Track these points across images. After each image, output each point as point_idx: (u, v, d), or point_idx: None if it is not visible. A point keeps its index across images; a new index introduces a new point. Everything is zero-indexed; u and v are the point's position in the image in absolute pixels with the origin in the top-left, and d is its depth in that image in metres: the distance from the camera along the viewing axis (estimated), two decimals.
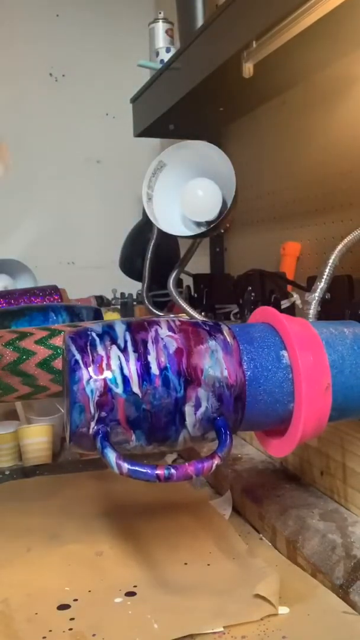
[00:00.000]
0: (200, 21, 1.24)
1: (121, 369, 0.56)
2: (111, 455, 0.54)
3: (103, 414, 0.56)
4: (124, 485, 0.93)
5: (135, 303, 1.61)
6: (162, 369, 0.57)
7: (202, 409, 0.57)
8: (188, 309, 1.05)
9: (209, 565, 0.69)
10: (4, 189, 1.86)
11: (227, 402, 0.58)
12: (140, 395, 0.56)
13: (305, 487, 0.81)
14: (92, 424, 0.56)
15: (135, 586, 0.65)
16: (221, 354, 0.59)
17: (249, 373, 0.59)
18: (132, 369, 0.57)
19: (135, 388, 0.56)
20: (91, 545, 0.75)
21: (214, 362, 0.58)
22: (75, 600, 0.63)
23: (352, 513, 0.72)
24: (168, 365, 0.57)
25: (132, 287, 1.60)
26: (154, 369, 0.57)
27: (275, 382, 0.59)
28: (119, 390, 0.56)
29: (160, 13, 1.55)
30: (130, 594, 0.64)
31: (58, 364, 0.83)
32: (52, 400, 1.15)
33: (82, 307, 1.11)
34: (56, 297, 1.30)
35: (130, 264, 1.53)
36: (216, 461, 0.55)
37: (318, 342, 0.60)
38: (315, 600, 0.61)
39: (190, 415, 0.57)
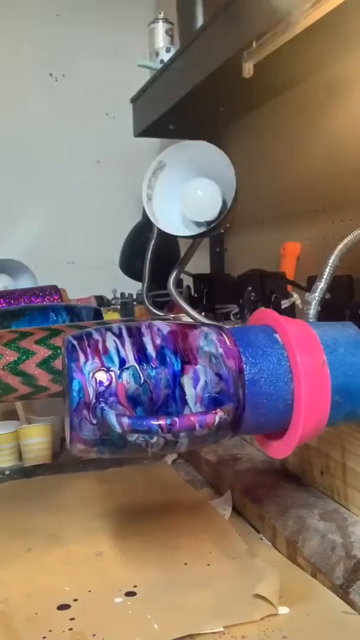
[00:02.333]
0: (200, 21, 1.24)
1: (117, 350, 0.58)
2: (111, 415, 0.54)
3: (101, 388, 0.56)
4: (124, 485, 0.94)
5: (135, 303, 1.61)
6: (158, 348, 0.59)
7: (201, 383, 0.58)
8: (188, 309, 1.05)
9: (209, 565, 0.69)
10: (4, 189, 1.86)
11: (226, 378, 0.59)
12: (137, 368, 0.57)
13: (305, 487, 0.81)
14: (92, 400, 0.56)
15: (135, 586, 0.65)
16: (215, 336, 0.61)
17: (243, 351, 0.61)
18: (128, 350, 0.58)
19: (132, 363, 0.58)
20: (91, 545, 0.75)
21: (209, 342, 0.60)
22: (75, 600, 0.63)
23: (352, 513, 0.72)
24: (164, 344, 0.59)
25: (132, 287, 1.60)
26: (150, 350, 0.59)
27: (272, 360, 0.61)
28: (115, 367, 0.57)
29: (160, 13, 1.55)
30: (130, 594, 0.64)
31: (58, 364, 0.83)
32: (52, 400, 1.15)
33: (82, 307, 1.11)
34: (56, 297, 1.30)
35: (130, 264, 1.53)
36: (219, 414, 0.56)
37: (307, 327, 0.63)
38: (315, 600, 0.61)
39: (189, 388, 0.58)
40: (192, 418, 0.55)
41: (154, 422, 0.54)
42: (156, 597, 0.63)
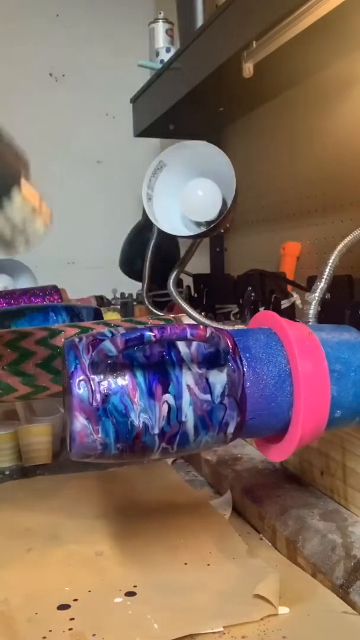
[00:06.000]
0: (200, 21, 1.25)
1: (110, 330, 0.62)
2: (105, 342, 0.57)
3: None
4: (124, 485, 0.94)
5: (135, 303, 1.61)
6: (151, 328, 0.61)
7: (195, 345, 0.61)
8: (188, 309, 1.05)
9: (209, 565, 0.69)
10: None
11: (218, 341, 0.60)
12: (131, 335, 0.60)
13: (305, 487, 0.81)
14: (87, 363, 0.58)
15: (135, 586, 0.65)
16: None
17: (235, 333, 0.64)
18: (120, 329, 0.62)
19: (124, 331, 0.60)
20: (91, 545, 0.75)
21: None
22: (75, 600, 0.63)
23: (352, 513, 0.72)
24: (156, 325, 0.62)
25: (132, 287, 1.60)
26: (142, 327, 0.61)
27: (262, 335, 0.64)
28: (108, 338, 0.60)
29: (160, 13, 1.55)
30: (130, 594, 0.64)
31: (58, 364, 0.83)
32: (52, 400, 1.15)
33: (82, 307, 1.11)
34: (56, 297, 1.30)
35: (130, 264, 1.53)
36: (210, 329, 0.59)
37: (304, 325, 0.67)
38: (315, 600, 0.61)
39: (183, 347, 0.60)
40: (184, 325, 0.58)
41: (148, 332, 0.57)
42: (156, 597, 0.63)
